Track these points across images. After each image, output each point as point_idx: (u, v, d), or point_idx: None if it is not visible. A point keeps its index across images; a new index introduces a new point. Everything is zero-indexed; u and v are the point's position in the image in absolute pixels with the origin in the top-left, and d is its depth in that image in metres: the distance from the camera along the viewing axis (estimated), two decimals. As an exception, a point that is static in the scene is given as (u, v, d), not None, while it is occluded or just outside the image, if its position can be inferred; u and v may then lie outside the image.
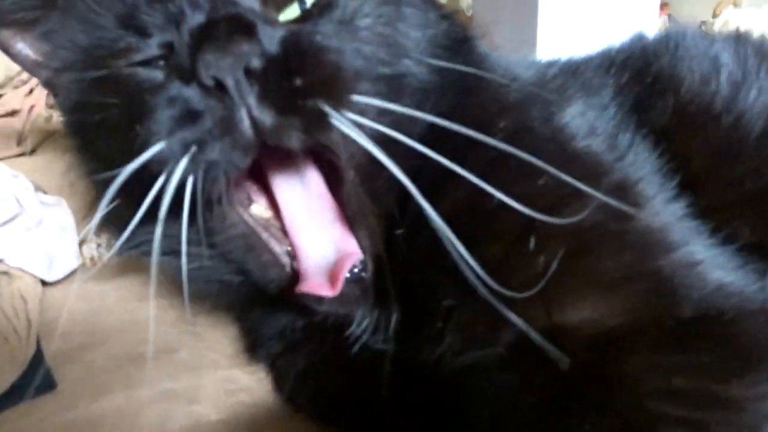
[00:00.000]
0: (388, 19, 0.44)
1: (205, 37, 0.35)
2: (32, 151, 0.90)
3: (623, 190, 0.44)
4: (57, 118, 0.81)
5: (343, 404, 0.47)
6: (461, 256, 0.36)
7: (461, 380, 0.40)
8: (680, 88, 0.57)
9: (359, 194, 0.42)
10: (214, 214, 0.41)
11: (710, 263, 0.43)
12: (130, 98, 0.39)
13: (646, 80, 0.59)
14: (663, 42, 0.67)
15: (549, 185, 0.41)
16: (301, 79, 0.36)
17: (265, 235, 0.43)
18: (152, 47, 0.39)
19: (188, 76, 0.35)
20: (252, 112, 0.35)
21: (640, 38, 0.70)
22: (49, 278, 0.59)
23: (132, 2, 0.40)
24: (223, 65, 0.34)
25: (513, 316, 0.36)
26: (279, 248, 0.43)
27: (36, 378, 0.50)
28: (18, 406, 0.50)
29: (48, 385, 0.51)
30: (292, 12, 0.40)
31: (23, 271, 0.57)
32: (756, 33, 0.71)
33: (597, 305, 0.37)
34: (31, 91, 0.81)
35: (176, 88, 0.36)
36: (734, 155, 0.53)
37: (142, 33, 0.39)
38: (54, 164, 0.51)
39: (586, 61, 0.65)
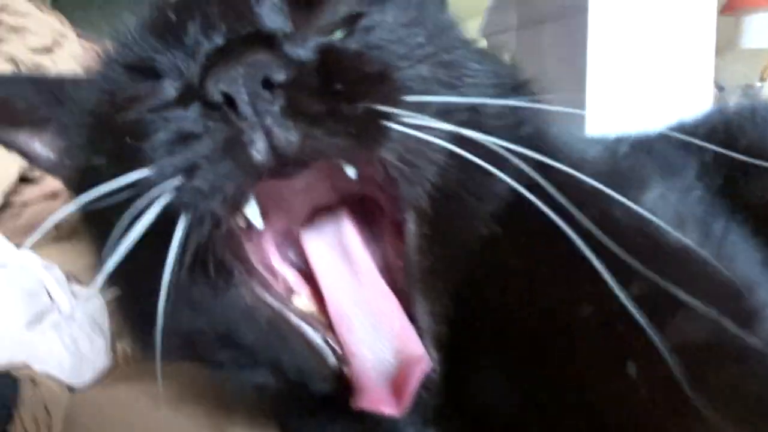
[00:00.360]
0: (440, 43, 0.37)
1: (221, 55, 0.30)
2: (70, 236, 0.86)
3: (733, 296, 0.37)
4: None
5: None
6: None
7: None
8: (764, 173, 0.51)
9: (424, 253, 0.34)
10: (228, 290, 0.34)
11: None
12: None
13: (730, 160, 0.53)
14: (746, 114, 0.61)
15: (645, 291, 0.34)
16: (341, 84, 0.30)
17: (304, 327, 0.35)
18: (168, 89, 0.33)
19: (195, 95, 0.30)
20: (272, 132, 0.28)
21: (719, 111, 0.65)
22: (76, 382, 0.53)
23: (140, 46, 0.35)
24: (234, 75, 0.28)
25: None
26: (322, 344, 0.35)
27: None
28: None
29: None
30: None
31: (49, 376, 0.51)
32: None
33: None
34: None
35: (178, 110, 0.30)
36: None
37: (155, 76, 0.33)
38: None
39: (661, 137, 0.60)
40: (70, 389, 0.53)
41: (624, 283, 0.31)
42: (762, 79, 1.81)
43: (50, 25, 0.87)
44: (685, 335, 0.32)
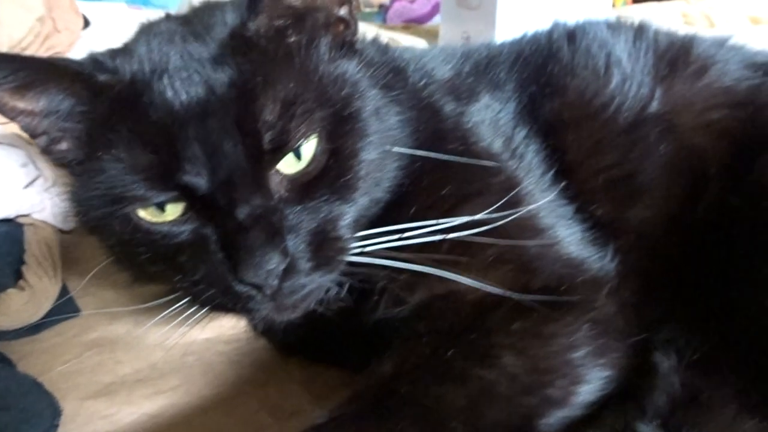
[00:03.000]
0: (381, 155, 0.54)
1: (243, 244, 0.46)
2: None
3: (510, 189, 0.57)
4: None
5: (316, 344, 0.64)
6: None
7: (389, 327, 0.56)
8: (566, 92, 0.68)
9: None
10: None
11: (567, 241, 0.59)
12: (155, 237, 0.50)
13: (541, 80, 0.69)
14: (570, 34, 0.76)
15: (457, 187, 0.56)
16: (315, 261, 0.49)
17: None
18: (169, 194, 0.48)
19: (230, 275, 0.48)
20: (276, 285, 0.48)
21: (553, 29, 0.78)
22: (65, 227, 0.74)
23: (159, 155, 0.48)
24: (263, 277, 0.46)
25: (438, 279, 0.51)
26: None
27: (64, 307, 0.66)
28: (52, 328, 0.66)
29: (73, 311, 0.67)
30: (295, 166, 0.50)
31: (45, 223, 0.71)
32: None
33: (478, 278, 0.52)
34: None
35: (219, 274, 0.48)
36: (602, 149, 0.65)
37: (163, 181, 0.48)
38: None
39: (499, 53, 0.75)
40: (62, 231, 0.74)
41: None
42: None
43: None
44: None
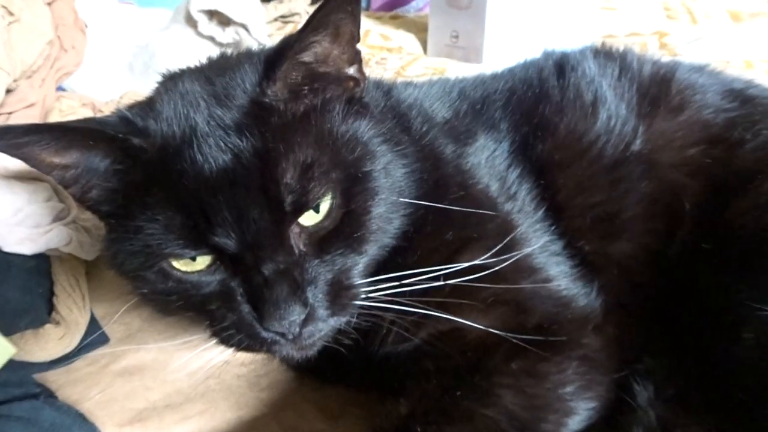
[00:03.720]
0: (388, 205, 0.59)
1: (268, 298, 0.52)
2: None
3: (506, 233, 0.63)
4: (66, 107, 0.95)
5: (328, 368, 0.69)
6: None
7: (397, 358, 0.62)
8: (557, 132, 0.72)
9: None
10: None
11: (558, 279, 0.64)
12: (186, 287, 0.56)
13: (533, 120, 0.73)
14: (559, 69, 0.79)
15: (458, 232, 0.61)
16: (330, 308, 0.55)
17: None
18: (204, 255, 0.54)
19: (257, 324, 0.54)
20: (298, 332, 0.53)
21: (543, 64, 0.82)
22: (89, 258, 0.78)
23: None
24: (287, 326, 0.52)
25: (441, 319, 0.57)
26: None
27: (94, 336, 0.71)
28: (84, 358, 0.71)
29: (103, 340, 0.72)
30: (313, 219, 0.55)
31: (71, 255, 0.76)
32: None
33: (479, 318, 0.58)
34: (43, 81, 0.94)
35: (247, 323, 0.54)
36: (589, 187, 0.70)
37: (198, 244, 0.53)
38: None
39: (494, 91, 0.79)
40: (86, 261, 0.78)
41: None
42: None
43: None
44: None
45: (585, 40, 2.01)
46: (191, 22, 1.30)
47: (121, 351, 0.72)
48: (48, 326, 0.69)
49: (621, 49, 0.84)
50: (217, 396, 0.70)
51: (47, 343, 0.67)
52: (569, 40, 2.01)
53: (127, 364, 0.71)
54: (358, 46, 0.61)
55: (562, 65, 0.81)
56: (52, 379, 0.69)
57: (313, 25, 0.54)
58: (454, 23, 1.93)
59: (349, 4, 0.55)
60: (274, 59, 0.56)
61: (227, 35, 1.30)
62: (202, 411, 0.68)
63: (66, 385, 0.68)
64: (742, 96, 0.77)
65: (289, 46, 0.55)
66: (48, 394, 0.65)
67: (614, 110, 0.74)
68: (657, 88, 0.76)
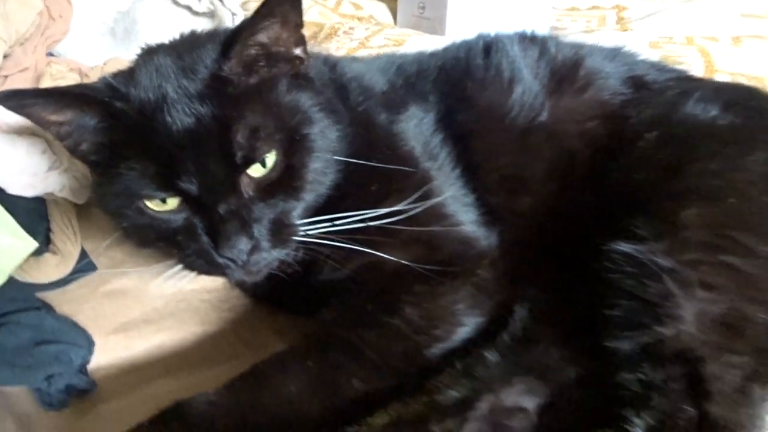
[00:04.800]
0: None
1: (221, 231, 0.66)
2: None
3: (423, 185, 0.77)
4: (56, 71, 1.07)
5: (277, 295, 0.84)
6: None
7: (330, 286, 0.76)
8: (476, 105, 0.87)
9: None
10: None
11: (465, 224, 0.80)
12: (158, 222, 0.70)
13: (457, 94, 0.88)
14: (486, 49, 0.93)
15: (383, 184, 0.76)
16: (272, 241, 0.69)
17: None
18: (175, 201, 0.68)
19: (214, 252, 0.67)
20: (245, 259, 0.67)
21: (473, 44, 0.96)
22: (79, 202, 0.93)
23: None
24: (236, 254, 0.66)
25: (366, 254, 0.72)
26: None
27: (85, 265, 0.87)
28: (76, 281, 0.87)
29: (92, 269, 0.88)
30: (260, 171, 0.68)
31: (64, 199, 0.90)
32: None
33: (398, 253, 0.72)
34: (35, 48, 1.06)
35: (205, 251, 0.68)
36: (500, 151, 0.85)
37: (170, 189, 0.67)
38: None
39: (427, 67, 0.93)
40: (76, 205, 0.93)
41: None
42: None
43: None
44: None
45: (547, 13, 2.12)
46: (169, -8, 1.41)
47: (107, 277, 0.87)
48: (47, 255, 0.84)
49: (544, 35, 0.98)
50: (185, 315, 0.86)
51: (47, 268, 0.82)
52: (532, 14, 2.13)
53: (112, 287, 0.87)
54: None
55: (489, 46, 0.94)
56: (51, 297, 0.85)
57: (261, 13, 0.68)
58: (421, -6, 2.02)
59: (290, 3, 0.68)
60: (230, 41, 0.70)
61: (203, 5, 1.41)
62: (173, 325, 0.84)
63: (62, 302, 0.84)
64: (640, 82, 0.92)
65: (241, 30, 0.69)
66: (48, 309, 0.81)
67: (528, 87, 0.89)
68: (567, 71, 0.91)
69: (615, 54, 1.00)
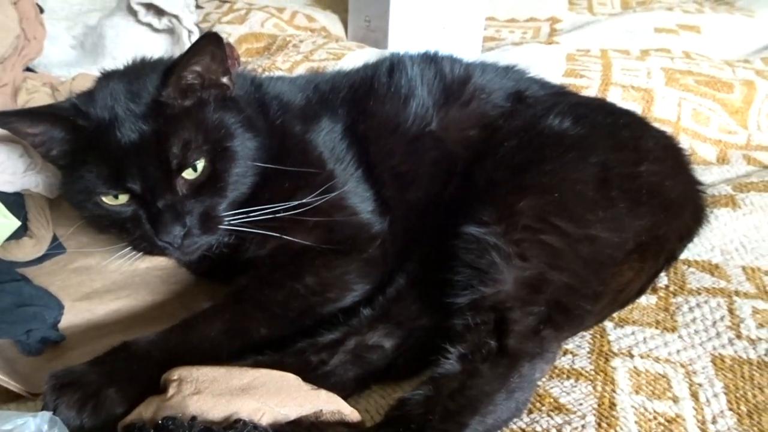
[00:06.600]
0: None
1: (160, 221, 0.85)
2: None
3: (328, 181, 0.97)
4: (31, 86, 1.27)
5: (213, 270, 1.06)
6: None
7: (251, 263, 0.97)
8: (376, 117, 1.07)
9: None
10: None
11: (362, 213, 1.00)
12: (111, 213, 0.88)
13: (361, 108, 1.09)
14: (390, 70, 1.13)
15: (293, 182, 0.97)
16: (201, 229, 0.88)
17: None
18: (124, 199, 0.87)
19: (154, 237, 0.85)
20: (180, 243, 0.86)
21: (380, 64, 1.17)
22: (51, 197, 1.13)
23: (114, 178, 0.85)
24: (172, 239, 0.85)
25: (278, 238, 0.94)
26: None
27: (55, 247, 1.07)
28: (49, 260, 1.07)
29: (62, 249, 1.08)
30: (192, 175, 0.86)
31: (39, 194, 1.10)
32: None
33: (304, 236, 0.94)
34: (12, 66, 1.26)
35: (148, 236, 0.87)
36: (393, 154, 1.06)
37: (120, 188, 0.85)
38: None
39: (339, 85, 1.13)
40: (49, 199, 1.13)
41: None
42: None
43: None
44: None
45: (481, 26, 2.34)
46: (132, 11, 1.60)
47: (74, 256, 1.08)
48: (25, 238, 1.04)
49: (444, 55, 1.18)
50: (139, 287, 1.07)
51: (25, 249, 1.03)
52: (468, 27, 2.35)
53: (78, 264, 1.07)
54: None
55: (393, 67, 1.15)
56: (29, 272, 1.05)
57: (193, 50, 0.89)
58: (367, 8, 2.22)
59: (215, 44, 0.89)
60: (168, 72, 0.90)
61: (162, 23, 1.61)
62: (129, 294, 1.05)
63: (38, 276, 1.04)
64: (519, 97, 1.13)
65: (177, 64, 0.90)
66: (27, 281, 1.01)
67: (421, 101, 1.09)
68: (456, 87, 1.12)
69: (507, 71, 1.21)
